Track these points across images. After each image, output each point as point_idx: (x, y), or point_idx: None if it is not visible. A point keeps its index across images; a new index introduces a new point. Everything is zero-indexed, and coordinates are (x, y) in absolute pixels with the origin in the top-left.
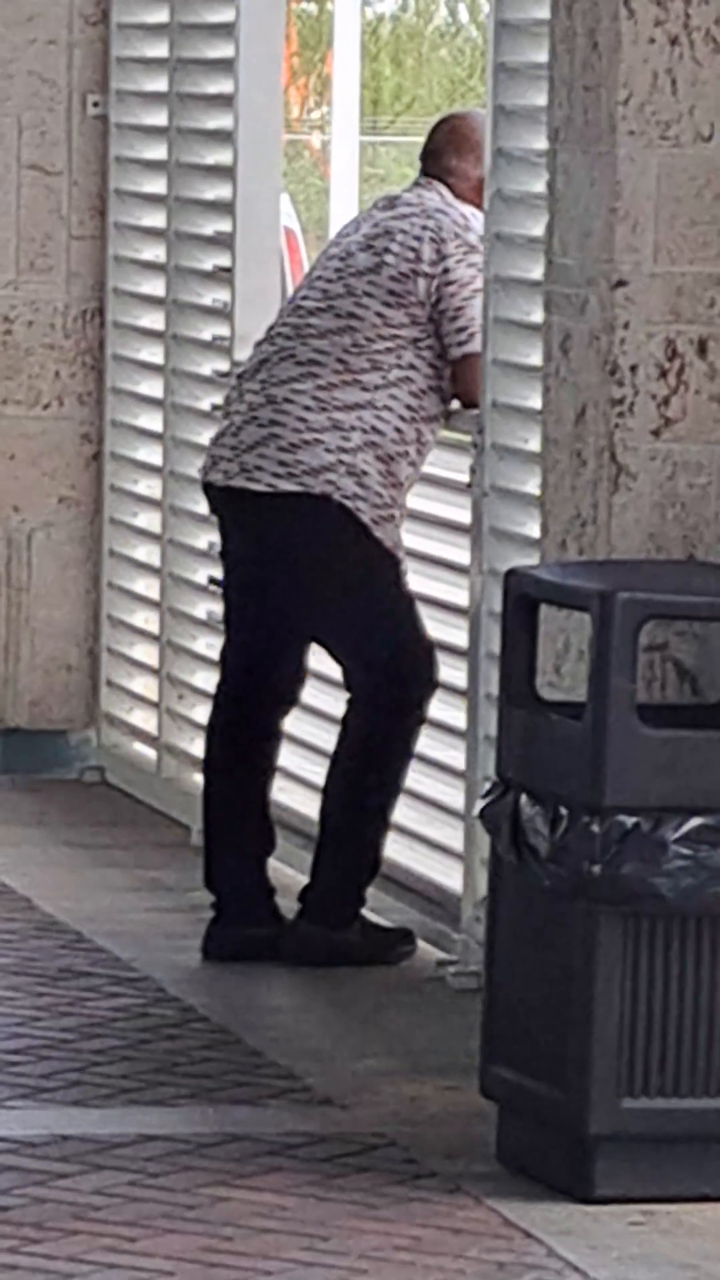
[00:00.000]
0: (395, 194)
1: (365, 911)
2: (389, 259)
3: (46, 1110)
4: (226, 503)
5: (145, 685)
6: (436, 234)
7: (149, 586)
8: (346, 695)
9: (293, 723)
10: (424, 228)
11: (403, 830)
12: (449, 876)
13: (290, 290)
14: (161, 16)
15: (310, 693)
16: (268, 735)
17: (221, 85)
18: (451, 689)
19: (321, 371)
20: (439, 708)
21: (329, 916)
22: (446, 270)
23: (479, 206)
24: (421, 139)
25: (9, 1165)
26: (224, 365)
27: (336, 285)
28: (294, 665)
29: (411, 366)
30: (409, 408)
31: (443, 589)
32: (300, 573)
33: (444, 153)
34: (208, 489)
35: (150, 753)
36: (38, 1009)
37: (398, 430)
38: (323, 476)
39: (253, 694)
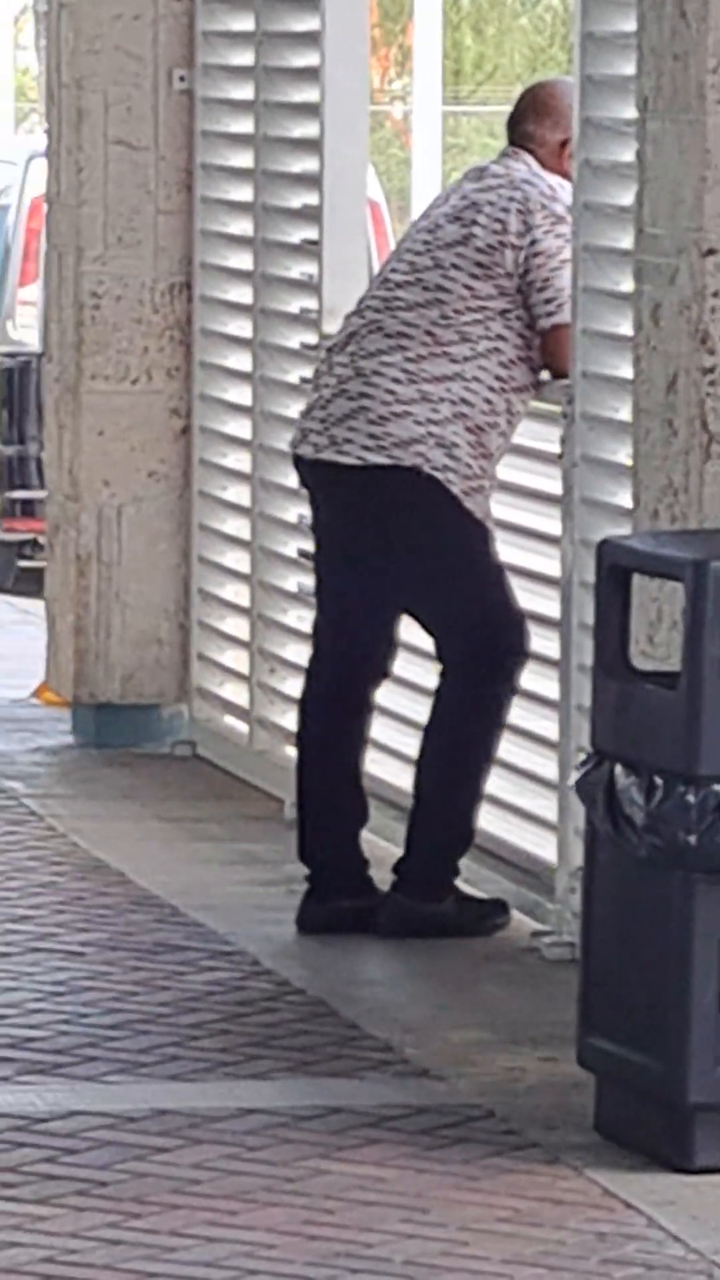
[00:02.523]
0: (484, 165)
1: (459, 883)
2: (476, 231)
3: (145, 1084)
4: (316, 476)
5: (236, 659)
6: (523, 205)
7: (239, 560)
8: (438, 667)
9: (385, 695)
10: (511, 199)
11: (496, 801)
12: (543, 847)
13: (376, 263)
14: None
15: (402, 664)
16: (360, 708)
17: (307, 58)
18: (543, 659)
19: (410, 344)
20: (531, 678)
21: (423, 888)
22: (534, 241)
23: (563, 172)
24: (503, 108)
25: (108, 1140)
26: (312, 338)
27: (424, 258)
28: (385, 637)
29: (500, 337)
30: (498, 378)
31: (534, 559)
32: (391, 545)
33: (525, 119)
34: (297, 462)
35: (242, 726)
36: (134, 983)
37: (487, 401)
38: (412, 449)
39: (345, 667)
